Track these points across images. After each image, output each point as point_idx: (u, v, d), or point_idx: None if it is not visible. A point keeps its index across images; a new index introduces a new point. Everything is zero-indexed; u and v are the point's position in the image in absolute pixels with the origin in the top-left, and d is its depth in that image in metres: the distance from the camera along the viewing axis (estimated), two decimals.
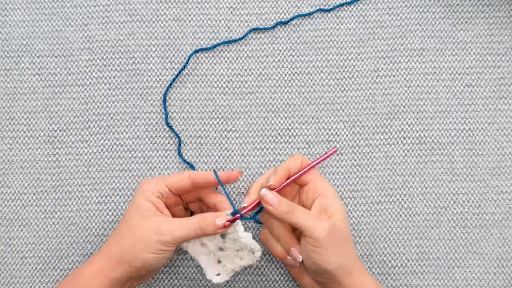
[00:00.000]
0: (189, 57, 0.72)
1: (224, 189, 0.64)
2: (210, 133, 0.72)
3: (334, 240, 0.60)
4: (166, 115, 0.71)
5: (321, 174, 0.66)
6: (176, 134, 0.71)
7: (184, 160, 0.71)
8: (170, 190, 0.63)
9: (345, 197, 0.72)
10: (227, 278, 0.65)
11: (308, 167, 0.64)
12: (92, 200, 0.71)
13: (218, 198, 0.64)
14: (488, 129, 0.73)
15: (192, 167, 0.71)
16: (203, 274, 0.72)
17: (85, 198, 0.71)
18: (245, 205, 0.62)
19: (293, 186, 0.66)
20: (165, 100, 0.72)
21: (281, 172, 0.63)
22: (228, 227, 0.62)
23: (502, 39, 0.73)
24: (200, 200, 0.66)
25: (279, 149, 0.72)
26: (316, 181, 0.64)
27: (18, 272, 0.71)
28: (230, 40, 0.72)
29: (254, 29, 0.72)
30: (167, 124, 0.71)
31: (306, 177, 0.64)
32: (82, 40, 0.72)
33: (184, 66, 0.71)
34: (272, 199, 0.61)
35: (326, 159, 0.65)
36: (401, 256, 0.72)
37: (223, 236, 0.64)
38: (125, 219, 0.62)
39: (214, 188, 0.67)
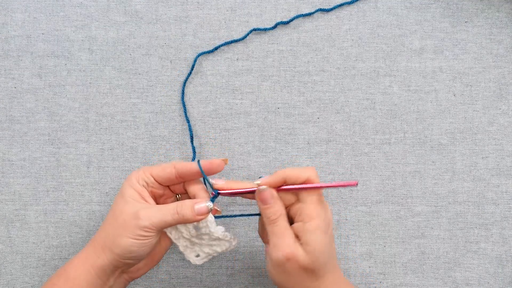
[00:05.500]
0: (195, 60, 0.72)
1: (206, 179, 0.62)
2: (210, 133, 0.72)
3: (287, 268, 0.58)
4: (190, 130, 0.71)
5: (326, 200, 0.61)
6: (193, 148, 0.71)
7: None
8: (156, 180, 0.63)
9: (345, 197, 0.72)
10: (206, 260, 0.65)
11: (310, 186, 0.60)
12: (93, 200, 0.71)
13: (198, 188, 0.64)
14: (488, 129, 0.73)
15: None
16: (203, 274, 0.72)
17: (85, 198, 0.71)
18: (259, 181, 0.60)
19: (290, 196, 0.62)
20: (185, 106, 0.72)
21: (278, 177, 0.60)
22: (207, 213, 0.61)
23: (502, 39, 0.73)
24: (187, 191, 0.66)
25: (279, 149, 0.72)
26: (309, 204, 0.60)
27: (18, 271, 0.71)
28: (231, 41, 0.72)
29: (254, 29, 0.72)
30: (191, 137, 0.70)
31: (304, 197, 0.60)
32: (82, 40, 0.72)
33: (191, 71, 0.71)
34: (267, 199, 0.59)
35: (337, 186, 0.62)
36: (401, 255, 0.72)
37: (197, 229, 0.64)
38: (111, 208, 0.62)
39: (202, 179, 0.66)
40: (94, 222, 0.71)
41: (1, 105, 0.72)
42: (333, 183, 0.61)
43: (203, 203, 0.61)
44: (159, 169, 0.63)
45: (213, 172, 0.63)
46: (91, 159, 0.72)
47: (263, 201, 0.60)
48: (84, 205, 0.71)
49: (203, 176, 0.63)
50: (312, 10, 0.73)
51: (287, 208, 0.62)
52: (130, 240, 0.59)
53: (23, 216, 0.71)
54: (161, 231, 0.62)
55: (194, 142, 0.71)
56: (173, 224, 0.61)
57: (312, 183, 0.60)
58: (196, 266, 0.71)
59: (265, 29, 0.72)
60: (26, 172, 0.71)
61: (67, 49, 0.72)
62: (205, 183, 0.65)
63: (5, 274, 0.71)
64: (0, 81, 0.72)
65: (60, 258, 0.71)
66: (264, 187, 0.60)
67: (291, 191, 0.61)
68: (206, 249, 0.64)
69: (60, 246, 0.71)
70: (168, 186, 0.65)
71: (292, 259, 0.58)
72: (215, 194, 0.62)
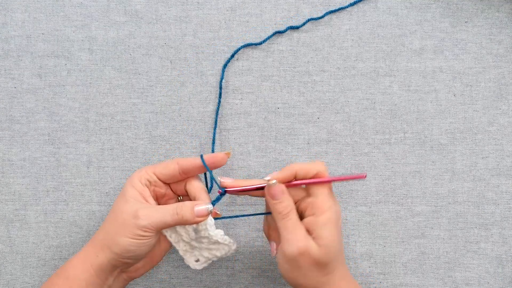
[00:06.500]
0: (223, 70, 0.72)
1: (211, 173, 0.63)
2: (210, 133, 0.72)
3: (299, 263, 0.59)
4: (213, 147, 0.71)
5: (335, 195, 0.62)
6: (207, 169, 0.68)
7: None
8: (159, 178, 0.63)
9: (345, 197, 0.72)
10: (205, 265, 0.65)
11: (320, 180, 0.60)
12: (93, 200, 0.71)
13: (199, 190, 0.63)
14: (488, 129, 0.73)
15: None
16: (203, 274, 0.72)
17: (85, 198, 0.71)
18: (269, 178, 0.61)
19: (299, 191, 0.63)
20: (214, 141, 0.72)
21: (288, 171, 0.61)
22: (207, 215, 0.61)
23: (502, 39, 0.73)
24: (187, 191, 0.66)
25: (279, 149, 0.72)
26: (320, 197, 0.60)
27: (18, 272, 0.71)
28: (250, 44, 0.72)
29: (278, 32, 0.72)
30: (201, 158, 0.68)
31: (315, 190, 0.61)
32: (82, 40, 0.72)
33: (220, 88, 0.72)
34: (278, 194, 0.60)
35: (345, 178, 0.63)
36: (401, 255, 0.72)
37: (196, 232, 0.64)
38: (112, 207, 0.62)
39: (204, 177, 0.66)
40: (94, 222, 0.71)
41: (1, 105, 0.72)
42: (342, 177, 0.62)
43: (203, 205, 0.61)
44: (162, 166, 0.63)
45: (216, 166, 0.63)
46: (91, 159, 0.72)
47: (274, 196, 0.60)
48: (84, 205, 0.71)
49: (208, 171, 0.63)
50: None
51: (297, 203, 0.62)
52: (128, 240, 0.59)
53: (23, 216, 0.71)
54: (159, 231, 0.62)
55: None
56: (172, 225, 0.61)
57: (321, 177, 0.61)
58: None
59: (280, 32, 0.72)
60: (26, 172, 0.71)
61: (67, 49, 0.72)
62: (205, 179, 0.66)
63: (5, 274, 0.71)
64: (0, 81, 0.72)
65: (60, 258, 0.71)
66: (274, 181, 0.60)
67: (300, 186, 0.62)
68: (206, 253, 0.64)
69: (60, 246, 0.71)
70: (170, 187, 0.65)
71: (305, 253, 0.58)
72: (222, 192, 0.62)
